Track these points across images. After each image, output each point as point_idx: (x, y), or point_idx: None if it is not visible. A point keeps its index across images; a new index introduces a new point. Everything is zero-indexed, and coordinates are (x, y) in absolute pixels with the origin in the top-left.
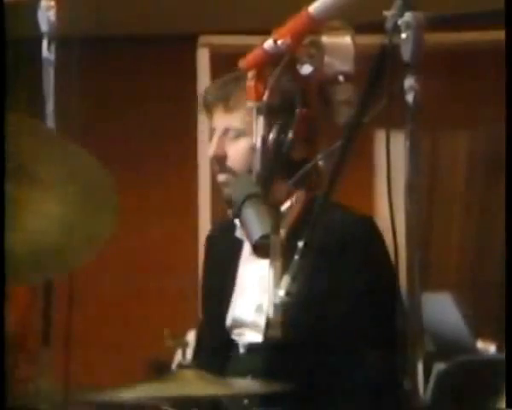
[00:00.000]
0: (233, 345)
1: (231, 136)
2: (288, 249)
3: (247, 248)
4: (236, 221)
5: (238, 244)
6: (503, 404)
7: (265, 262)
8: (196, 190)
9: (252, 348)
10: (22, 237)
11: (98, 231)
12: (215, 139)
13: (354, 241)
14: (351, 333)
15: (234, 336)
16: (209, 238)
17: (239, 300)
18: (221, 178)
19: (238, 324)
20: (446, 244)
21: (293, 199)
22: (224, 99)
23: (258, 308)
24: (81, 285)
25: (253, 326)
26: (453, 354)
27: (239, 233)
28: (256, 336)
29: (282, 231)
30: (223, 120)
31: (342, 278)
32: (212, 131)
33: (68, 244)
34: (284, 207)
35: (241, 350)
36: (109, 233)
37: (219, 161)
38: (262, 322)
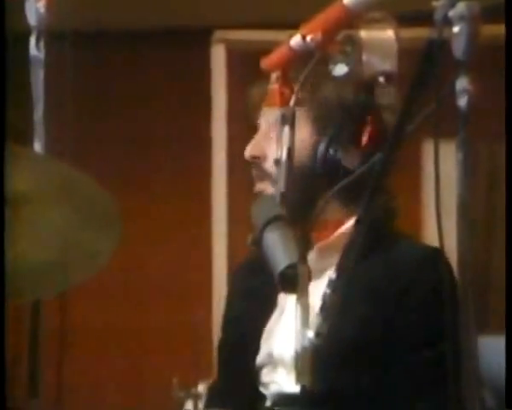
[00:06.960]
0: (259, 396)
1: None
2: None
3: None
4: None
5: None
6: None
7: (313, 291)
8: (210, 206)
9: (281, 400)
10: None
11: (98, 248)
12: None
13: (423, 281)
14: (397, 386)
15: (262, 383)
16: (239, 271)
17: (278, 334)
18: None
19: (273, 361)
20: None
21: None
22: None
23: None
24: (74, 324)
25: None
26: None
27: None
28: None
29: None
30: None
31: (395, 321)
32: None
33: (65, 261)
34: (337, 232)
35: (269, 403)
36: (110, 251)
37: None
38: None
